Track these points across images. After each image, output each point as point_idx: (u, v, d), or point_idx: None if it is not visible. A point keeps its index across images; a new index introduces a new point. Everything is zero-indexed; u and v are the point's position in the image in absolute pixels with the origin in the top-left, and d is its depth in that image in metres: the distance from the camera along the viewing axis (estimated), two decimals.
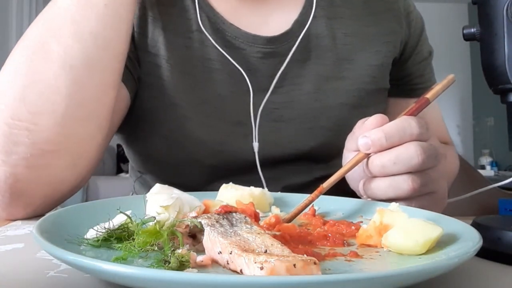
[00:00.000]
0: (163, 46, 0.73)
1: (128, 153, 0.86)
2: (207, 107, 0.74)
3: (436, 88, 0.59)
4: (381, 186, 0.54)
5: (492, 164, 4.80)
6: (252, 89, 0.74)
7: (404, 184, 0.52)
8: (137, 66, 0.74)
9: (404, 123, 0.53)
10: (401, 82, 0.87)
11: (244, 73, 0.74)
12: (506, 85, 0.49)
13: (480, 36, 0.52)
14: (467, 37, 0.53)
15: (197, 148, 0.74)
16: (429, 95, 0.58)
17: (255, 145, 0.74)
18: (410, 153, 0.51)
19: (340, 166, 0.80)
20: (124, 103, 0.73)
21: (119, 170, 4.53)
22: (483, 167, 4.67)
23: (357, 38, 0.81)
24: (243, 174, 0.75)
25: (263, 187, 0.72)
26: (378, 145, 0.52)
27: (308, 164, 0.79)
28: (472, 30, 0.52)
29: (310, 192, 0.56)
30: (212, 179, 0.75)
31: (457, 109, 5.36)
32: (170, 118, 0.74)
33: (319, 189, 0.54)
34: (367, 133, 0.53)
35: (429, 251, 0.40)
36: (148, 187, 0.86)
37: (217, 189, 0.75)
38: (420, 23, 0.88)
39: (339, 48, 0.79)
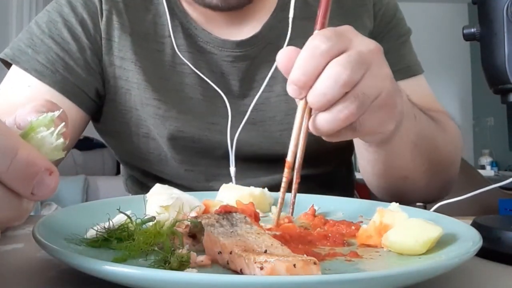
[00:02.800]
0: (130, 50, 0.75)
1: (112, 148, 0.87)
2: (179, 108, 0.76)
3: None
4: (324, 121, 0.47)
5: (492, 164, 4.79)
6: (224, 94, 0.76)
7: (343, 112, 0.45)
8: (93, 78, 0.75)
9: (310, 46, 0.46)
10: None
11: (211, 82, 0.76)
12: (506, 85, 0.49)
13: (480, 36, 0.52)
14: (467, 37, 0.53)
15: (170, 144, 0.76)
16: None
17: (232, 170, 0.76)
18: (332, 75, 0.44)
19: (316, 168, 0.80)
20: (79, 125, 0.75)
21: (119, 170, 4.52)
22: (483, 167, 4.66)
23: None
24: (216, 168, 0.78)
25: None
26: (302, 85, 0.46)
27: (281, 166, 0.79)
28: (472, 30, 0.52)
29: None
30: (188, 176, 0.78)
31: (457, 109, 5.35)
32: (144, 117, 0.75)
33: (286, 165, 0.49)
34: (288, 80, 0.47)
35: (429, 251, 0.40)
36: (138, 183, 0.87)
37: (193, 182, 0.78)
38: (392, 10, 0.86)
39: None
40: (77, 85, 0.73)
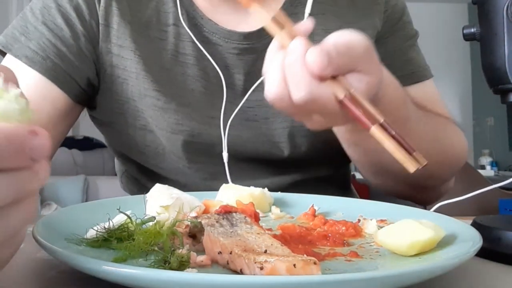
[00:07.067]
0: (129, 38, 0.73)
1: (106, 139, 0.85)
2: (179, 100, 0.74)
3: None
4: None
5: (492, 164, 4.79)
6: (227, 87, 0.74)
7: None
8: (86, 67, 0.73)
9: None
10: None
11: (219, 71, 0.74)
12: (506, 85, 0.49)
13: (480, 36, 0.52)
14: (467, 37, 0.53)
15: (169, 138, 0.74)
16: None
17: (225, 155, 0.74)
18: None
19: (317, 171, 0.79)
20: (67, 113, 0.73)
21: None
22: (483, 167, 4.66)
23: None
24: (214, 166, 0.75)
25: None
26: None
27: (281, 166, 0.78)
28: (472, 30, 0.52)
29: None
30: (185, 171, 0.76)
31: (457, 109, 5.35)
32: (142, 109, 0.73)
33: None
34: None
35: (429, 251, 0.40)
36: (133, 180, 0.85)
37: (190, 179, 0.76)
38: (398, 12, 0.85)
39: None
40: (68, 72, 0.71)
